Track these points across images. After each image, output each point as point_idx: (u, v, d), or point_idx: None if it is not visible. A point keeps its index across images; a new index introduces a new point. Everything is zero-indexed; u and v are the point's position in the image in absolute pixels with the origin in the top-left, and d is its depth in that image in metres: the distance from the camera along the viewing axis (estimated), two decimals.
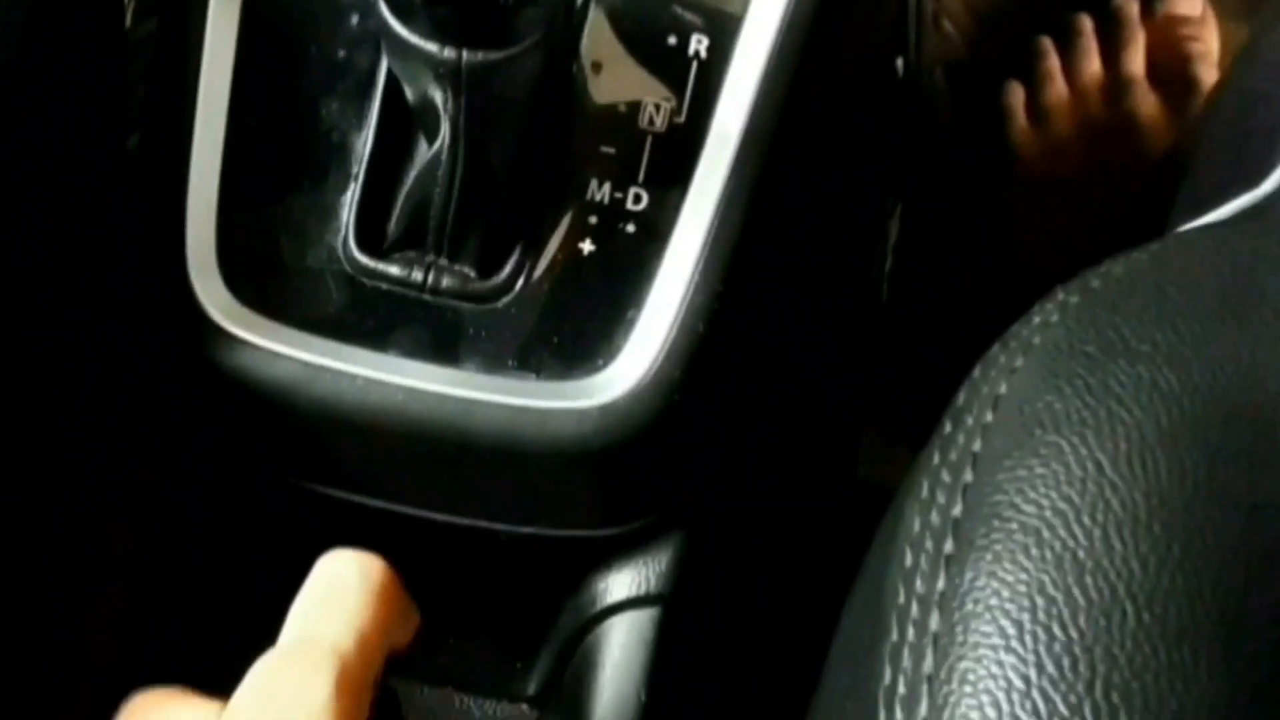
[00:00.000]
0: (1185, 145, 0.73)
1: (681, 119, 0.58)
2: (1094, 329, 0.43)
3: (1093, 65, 1.09)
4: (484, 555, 0.62)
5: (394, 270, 0.57)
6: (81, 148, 0.59)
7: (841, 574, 0.47)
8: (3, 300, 0.55)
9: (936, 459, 0.43)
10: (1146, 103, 1.06)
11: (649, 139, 0.58)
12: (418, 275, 0.57)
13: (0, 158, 0.55)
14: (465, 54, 0.50)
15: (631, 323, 0.57)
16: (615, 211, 0.58)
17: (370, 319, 0.57)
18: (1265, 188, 0.57)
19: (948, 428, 0.43)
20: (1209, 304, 0.43)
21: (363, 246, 0.57)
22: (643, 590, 0.61)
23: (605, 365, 0.56)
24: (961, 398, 0.44)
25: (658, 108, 0.59)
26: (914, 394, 1.00)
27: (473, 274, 0.57)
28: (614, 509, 0.60)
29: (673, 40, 0.59)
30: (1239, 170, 0.60)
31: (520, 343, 0.57)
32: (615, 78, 0.59)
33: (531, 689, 0.65)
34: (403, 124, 0.57)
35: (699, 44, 0.59)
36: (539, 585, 0.63)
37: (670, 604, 0.61)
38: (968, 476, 0.41)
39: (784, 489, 0.71)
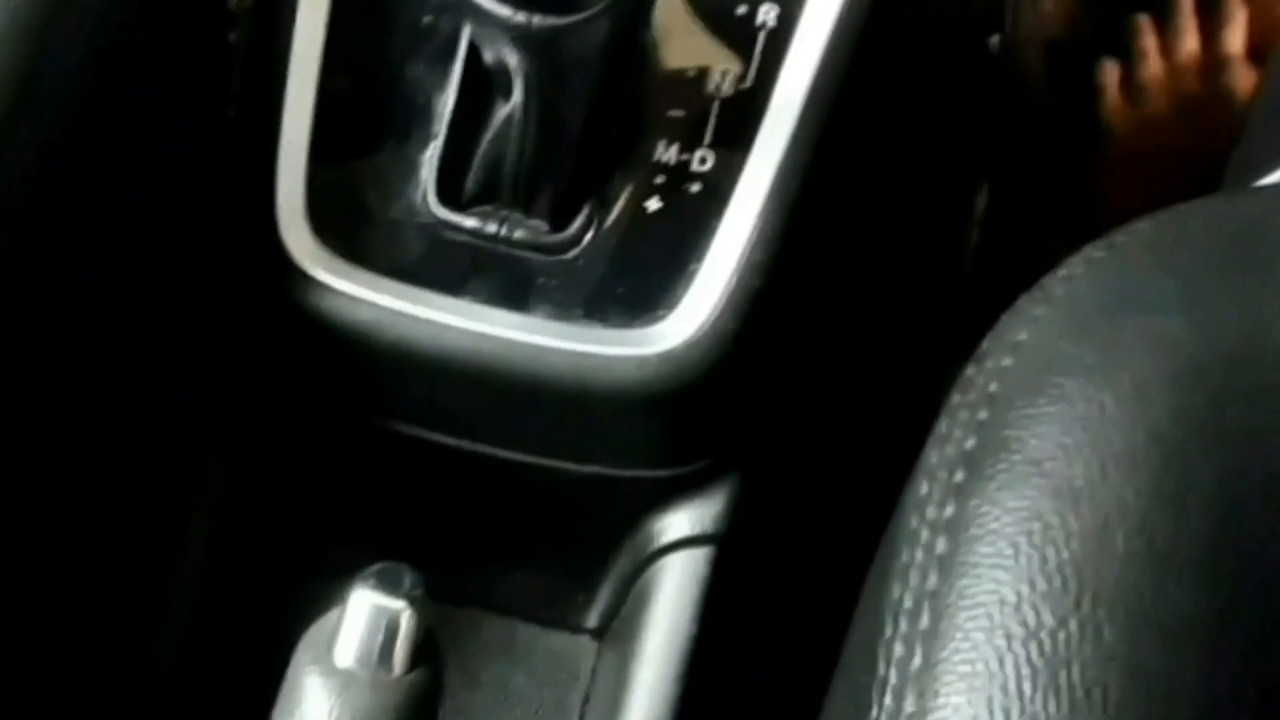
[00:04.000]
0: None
1: (748, 85, 0.61)
2: (1112, 281, 0.46)
3: (1190, 43, 1.09)
4: (549, 492, 0.65)
5: (470, 222, 0.61)
6: (186, 110, 0.63)
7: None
8: (110, 247, 0.59)
9: (957, 399, 0.45)
10: (1244, 81, 1.06)
11: (716, 104, 0.61)
12: (493, 227, 0.61)
13: (112, 122, 0.59)
14: (535, 18, 0.53)
15: (692, 276, 0.60)
16: (681, 171, 0.61)
17: (447, 268, 0.61)
18: None
19: (969, 370, 0.46)
20: (1223, 258, 0.45)
21: (443, 200, 0.61)
22: (698, 530, 0.64)
23: (667, 315, 0.60)
24: (986, 343, 0.47)
25: (725, 74, 0.61)
26: None
27: (545, 227, 0.61)
28: (672, 451, 0.63)
29: (742, 9, 0.62)
30: None
31: (587, 292, 0.60)
32: (685, 44, 0.62)
33: (592, 621, 0.68)
34: (482, 86, 0.61)
35: (768, 13, 0.62)
36: (600, 522, 0.66)
37: (724, 544, 0.64)
38: (983, 414, 0.44)
39: (853, 433, 0.73)
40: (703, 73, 0.62)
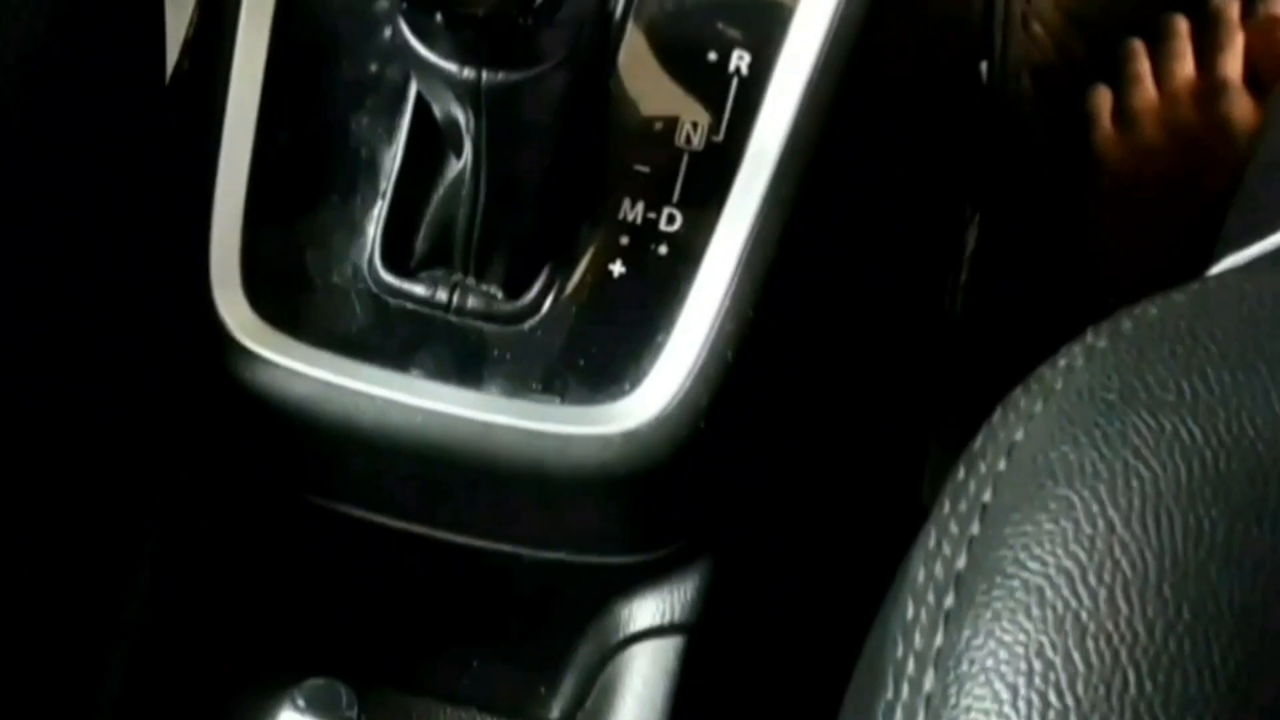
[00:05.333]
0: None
1: (720, 138, 0.57)
2: (1118, 375, 0.41)
3: (1185, 68, 1.05)
4: (506, 578, 0.61)
5: (419, 289, 0.56)
6: (111, 156, 0.59)
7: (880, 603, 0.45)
8: (25, 307, 0.55)
9: (947, 508, 0.41)
10: (1241, 108, 1.02)
11: (685, 157, 0.57)
12: (443, 295, 0.56)
13: (28, 162, 0.55)
14: (485, 75, 0.49)
15: (659, 347, 0.55)
16: (648, 232, 0.56)
17: (393, 338, 0.56)
18: None
19: (961, 474, 0.42)
20: (1242, 352, 0.41)
21: (388, 264, 0.57)
22: (667, 619, 0.60)
23: (631, 391, 0.55)
24: (979, 442, 0.42)
25: (695, 125, 0.57)
26: (987, 409, 0.98)
27: (499, 294, 0.56)
28: (638, 536, 0.59)
29: (713, 56, 0.57)
30: None
31: (545, 365, 0.56)
32: (653, 94, 0.58)
33: (554, 714, 0.64)
34: (432, 141, 0.56)
35: (740, 60, 0.57)
36: (562, 610, 0.62)
37: (695, 634, 0.59)
38: (974, 529, 0.40)
39: (834, 513, 0.69)
40: (671, 124, 0.57)
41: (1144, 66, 1.06)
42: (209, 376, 0.56)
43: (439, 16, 0.47)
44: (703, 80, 0.57)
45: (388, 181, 0.57)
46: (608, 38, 0.56)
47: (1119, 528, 0.37)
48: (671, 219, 0.56)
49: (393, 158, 0.57)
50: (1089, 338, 0.44)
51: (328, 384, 0.55)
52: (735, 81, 0.57)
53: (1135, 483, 0.38)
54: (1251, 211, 0.62)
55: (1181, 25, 1.06)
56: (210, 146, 0.58)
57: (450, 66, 0.49)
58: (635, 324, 0.56)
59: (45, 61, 0.54)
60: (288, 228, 0.57)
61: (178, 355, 0.57)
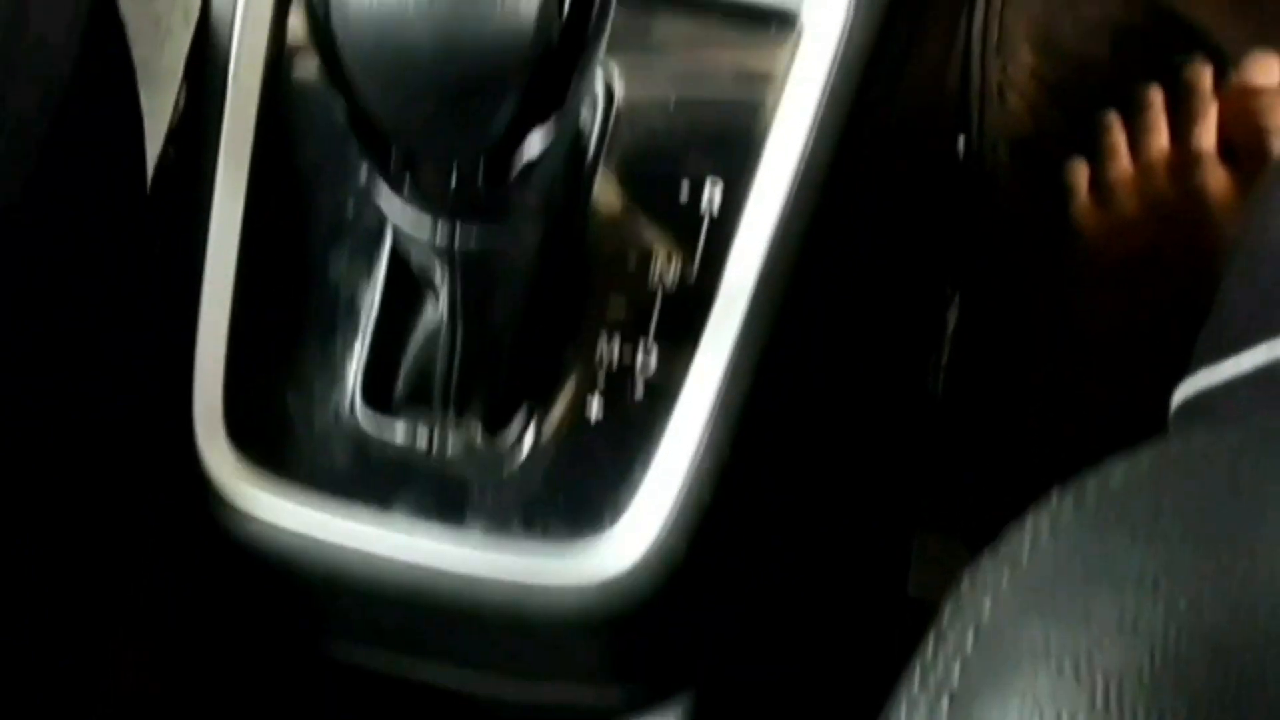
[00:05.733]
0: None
1: (692, 276, 0.58)
2: (1081, 551, 0.42)
3: (1160, 140, 1.06)
4: (493, 717, 0.62)
5: (400, 431, 0.57)
6: (94, 300, 0.60)
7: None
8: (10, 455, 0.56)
9: (916, 685, 0.42)
10: (1216, 179, 1.03)
11: (659, 296, 0.58)
12: (423, 436, 0.57)
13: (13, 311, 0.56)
14: (458, 235, 0.49)
15: (637, 488, 0.56)
16: (623, 372, 0.57)
17: (376, 480, 0.57)
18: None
19: (930, 650, 0.42)
20: (1205, 526, 0.42)
21: (370, 402, 0.57)
22: None
23: (609, 534, 0.56)
24: (947, 614, 0.43)
25: (668, 264, 0.58)
26: (973, 489, 0.98)
27: (479, 436, 0.57)
28: (620, 677, 0.60)
29: (685, 195, 0.58)
30: (1265, 313, 0.58)
31: (525, 507, 0.56)
32: (626, 234, 0.58)
33: None
34: (409, 283, 0.57)
35: (711, 199, 0.58)
36: None
37: None
38: (944, 706, 0.40)
39: (821, 625, 0.70)
40: (645, 264, 0.58)
41: (1120, 139, 1.06)
42: (194, 524, 0.57)
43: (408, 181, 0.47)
44: (675, 218, 0.58)
45: (367, 322, 0.58)
46: (580, 183, 0.56)
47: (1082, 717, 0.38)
48: (646, 359, 0.57)
49: (371, 298, 0.58)
50: (1054, 502, 0.44)
51: (311, 534, 0.56)
52: (707, 220, 0.58)
53: (1099, 673, 0.39)
54: (1225, 325, 0.62)
55: (1156, 97, 1.07)
56: (192, 287, 0.58)
57: (424, 235, 0.49)
58: (613, 465, 0.56)
59: (33, 211, 0.55)
60: (270, 369, 0.58)
61: (164, 501, 0.58)
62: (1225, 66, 1.06)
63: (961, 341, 0.99)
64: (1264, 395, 0.57)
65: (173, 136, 0.96)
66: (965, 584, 0.43)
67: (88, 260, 0.60)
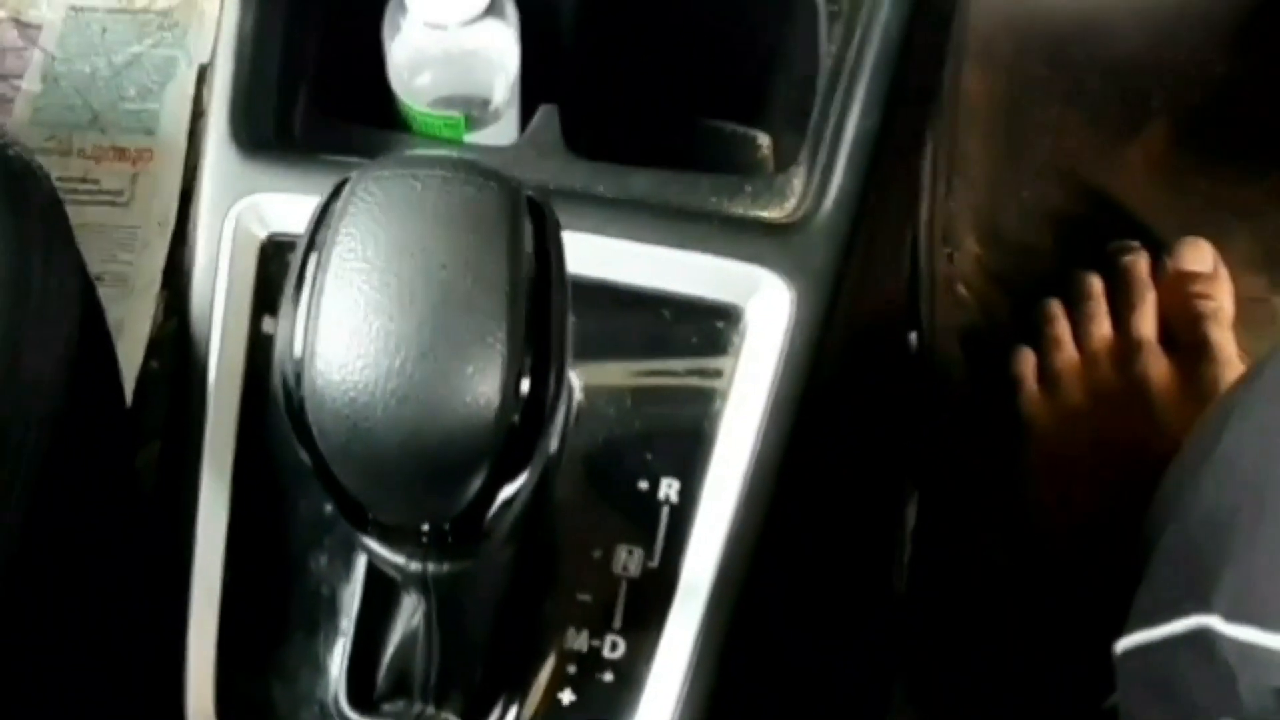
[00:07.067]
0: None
1: (654, 564, 0.61)
2: None
3: (1102, 329, 1.09)
4: None
5: None
6: (88, 605, 0.63)
7: None
8: None
9: None
10: (1158, 367, 1.06)
11: (623, 585, 0.61)
12: None
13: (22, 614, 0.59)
14: (430, 567, 0.53)
15: None
16: (593, 659, 0.60)
17: None
18: (1210, 620, 0.58)
19: None
20: None
21: (353, 702, 0.60)
22: None
23: None
24: None
25: (631, 553, 0.61)
26: (941, 678, 1.01)
27: None
28: None
29: (644, 485, 0.62)
30: (1192, 582, 0.62)
31: None
32: (589, 525, 0.62)
33: None
34: (388, 584, 0.60)
35: (669, 488, 0.62)
36: None
37: None
38: None
39: None
40: (608, 553, 0.61)
41: (1063, 329, 1.10)
42: None
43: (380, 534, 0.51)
44: (635, 509, 0.62)
45: (349, 620, 0.61)
46: (546, 492, 0.60)
47: None
48: (614, 646, 0.61)
49: (352, 595, 0.61)
50: None
51: None
52: (666, 509, 0.61)
53: None
54: (1160, 591, 0.66)
55: (1096, 285, 1.10)
56: (181, 589, 0.61)
57: (396, 560, 0.53)
58: None
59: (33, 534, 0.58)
60: (257, 668, 0.61)
61: None
62: (1160, 253, 1.10)
63: (921, 538, 1.02)
64: (1195, 655, 0.61)
65: (153, 348, 0.99)
66: None
67: (86, 566, 0.63)
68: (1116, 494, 1.02)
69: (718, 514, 0.61)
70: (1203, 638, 0.60)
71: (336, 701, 0.61)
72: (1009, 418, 1.10)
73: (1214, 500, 0.63)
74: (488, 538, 0.51)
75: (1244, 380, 0.66)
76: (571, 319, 0.48)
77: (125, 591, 0.64)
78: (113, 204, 1.02)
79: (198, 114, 1.05)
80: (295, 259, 0.46)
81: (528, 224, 0.46)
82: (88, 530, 0.62)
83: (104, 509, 0.63)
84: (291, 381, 0.45)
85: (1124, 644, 0.67)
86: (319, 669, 0.61)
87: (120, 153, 1.03)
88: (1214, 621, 0.59)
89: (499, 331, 0.43)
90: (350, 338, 0.43)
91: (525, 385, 0.45)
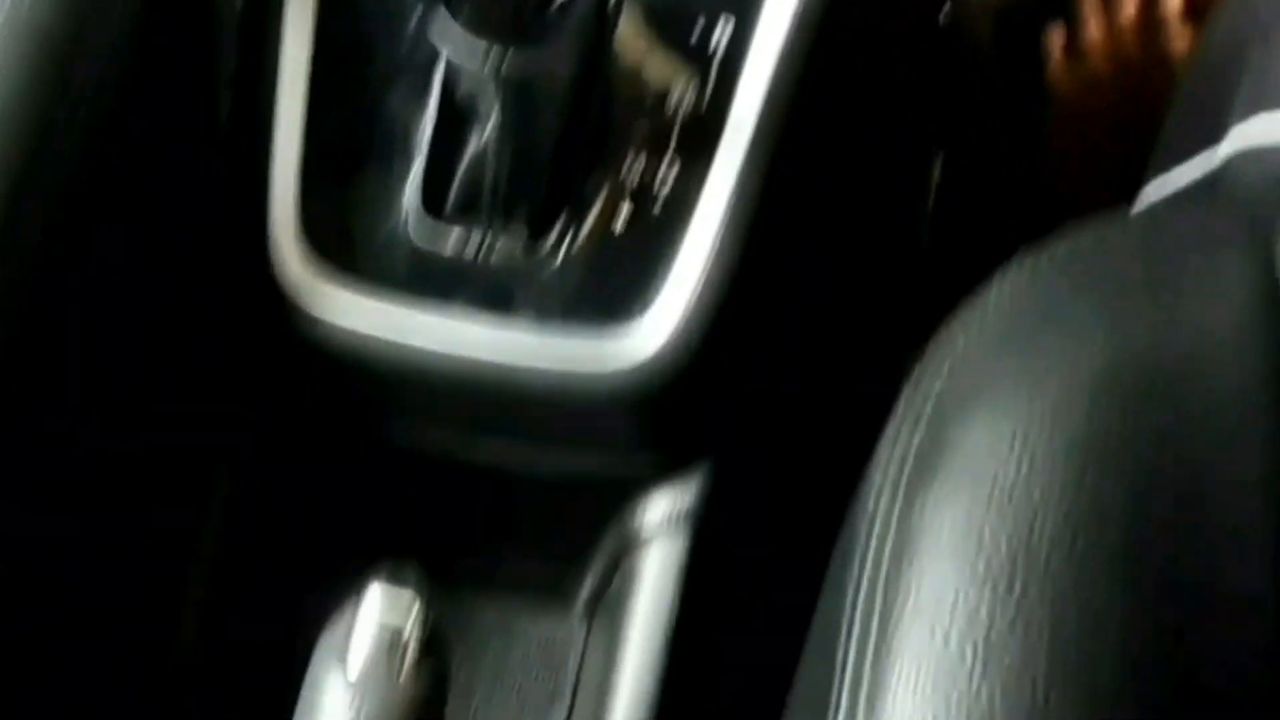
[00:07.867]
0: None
1: (705, 103, 0.66)
2: (1033, 302, 0.51)
3: (1129, 4, 1.12)
4: (538, 488, 0.71)
5: (453, 238, 0.66)
6: (179, 140, 0.68)
7: None
8: (121, 294, 0.64)
9: (903, 407, 0.51)
10: (1181, 42, 1.10)
11: (677, 121, 0.66)
12: (474, 243, 0.66)
13: (113, 188, 0.64)
14: (506, 60, 0.58)
15: (659, 287, 0.65)
16: (645, 189, 0.66)
17: (433, 282, 0.66)
18: (1217, 157, 0.63)
19: (911, 385, 0.52)
20: (1131, 279, 0.51)
21: (428, 212, 0.66)
22: (676, 520, 0.70)
23: (636, 325, 0.65)
24: (926, 354, 0.52)
25: (684, 93, 0.66)
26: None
27: (522, 242, 0.65)
28: (648, 448, 0.69)
29: (699, 30, 0.66)
30: (1201, 126, 0.67)
31: (562, 304, 0.65)
32: (647, 65, 0.67)
33: (579, 605, 0.74)
34: (459, 112, 0.65)
35: (722, 33, 0.66)
36: (588, 513, 0.72)
37: (700, 532, 0.70)
38: (920, 430, 0.50)
39: (821, 423, 0.79)
40: (664, 92, 0.66)
41: (1093, 4, 1.13)
42: (276, 326, 0.65)
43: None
44: (691, 52, 0.66)
45: (422, 148, 0.66)
46: (606, 20, 0.65)
47: (1035, 418, 0.48)
48: (666, 178, 0.66)
49: (424, 128, 0.67)
50: (1014, 268, 0.54)
51: (378, 333, 0.65)
52: (718, 53, 0.66)
53: (1047, 382, 0.48)
54: (1173, 140, 0.71)
55: None
56: (265, 128, 0.67)
57: (474, 64, 0.58)
58: (639, 267, 0.65)
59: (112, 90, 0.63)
60: (337, 193, 0.67)
61: (248, 310, 0.67)
62: None
63: (944, 195, 1.06)
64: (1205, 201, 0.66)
65: None
66: (945, 329, 0.52)
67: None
68: (1133, 157, 1.06)
69: (766, 54, 0.66)
70: (1212, 178, 0.65)
71: (410, 219, 0.66)
72: (1035, 89, 1.13)
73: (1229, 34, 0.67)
74: (556, 31, 0.56)
75: None
76: None
77: (215, 135, 0.69)
78: None
79: None
80: None
81: None
82: (176, 83, 0.66)
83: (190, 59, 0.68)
84: None
85: (1135, 208, 0.72)
86: (394, 193, 0.66)
87: None
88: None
89: None
90: None
91: None
